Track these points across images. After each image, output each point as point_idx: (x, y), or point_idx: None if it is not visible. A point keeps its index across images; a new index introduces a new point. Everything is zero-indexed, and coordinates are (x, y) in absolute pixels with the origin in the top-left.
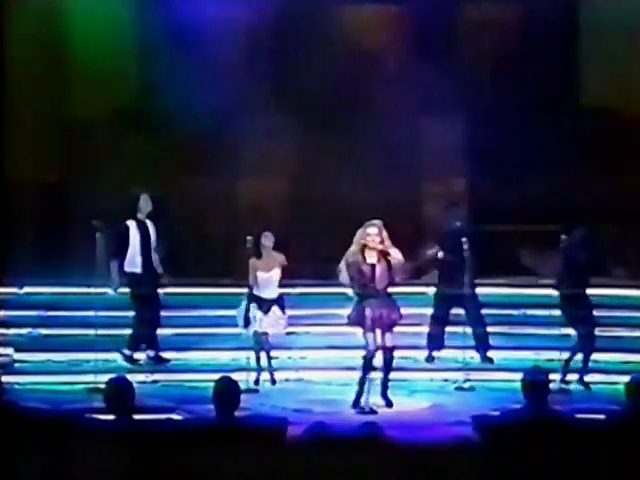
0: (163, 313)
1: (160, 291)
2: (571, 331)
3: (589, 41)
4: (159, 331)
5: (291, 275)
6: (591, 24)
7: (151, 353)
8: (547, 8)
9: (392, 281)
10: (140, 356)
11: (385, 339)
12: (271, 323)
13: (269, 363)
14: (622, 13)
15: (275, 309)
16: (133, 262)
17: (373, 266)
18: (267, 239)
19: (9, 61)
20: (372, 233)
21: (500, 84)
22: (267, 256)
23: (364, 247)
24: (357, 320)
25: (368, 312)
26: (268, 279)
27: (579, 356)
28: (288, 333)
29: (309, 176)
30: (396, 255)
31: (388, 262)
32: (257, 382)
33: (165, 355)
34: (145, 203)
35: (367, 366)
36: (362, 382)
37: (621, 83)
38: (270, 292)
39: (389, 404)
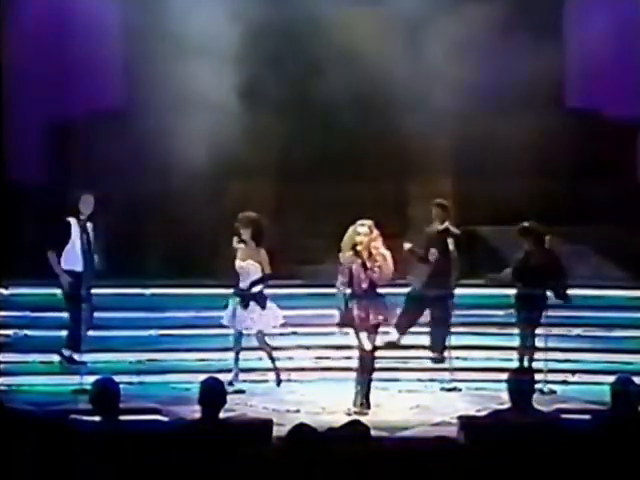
0: (150, 314)
1: (95, 292)
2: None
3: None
4: (90, 333)
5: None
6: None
7: (67, 352)
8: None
9: (377, 283)
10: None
11: (370, 340)
12: (261, 321)
13: (273, 363)
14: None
15: (253, 304)
16: (72, 260)
17: (364, 266)
18: (246, 232)
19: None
20: (362, 232)
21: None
22: (247, 247)
23: (354, 247)
24: (347, 321)
25: (356, 313)
26: (240, 268)
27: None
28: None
29: (292, 176)
30: (385, 263)
31: (379, 263)
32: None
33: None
34: (85, 205)
35: (363, 366)
36: (358, 382)
37: (603, 83)
38: (244, 283)
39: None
